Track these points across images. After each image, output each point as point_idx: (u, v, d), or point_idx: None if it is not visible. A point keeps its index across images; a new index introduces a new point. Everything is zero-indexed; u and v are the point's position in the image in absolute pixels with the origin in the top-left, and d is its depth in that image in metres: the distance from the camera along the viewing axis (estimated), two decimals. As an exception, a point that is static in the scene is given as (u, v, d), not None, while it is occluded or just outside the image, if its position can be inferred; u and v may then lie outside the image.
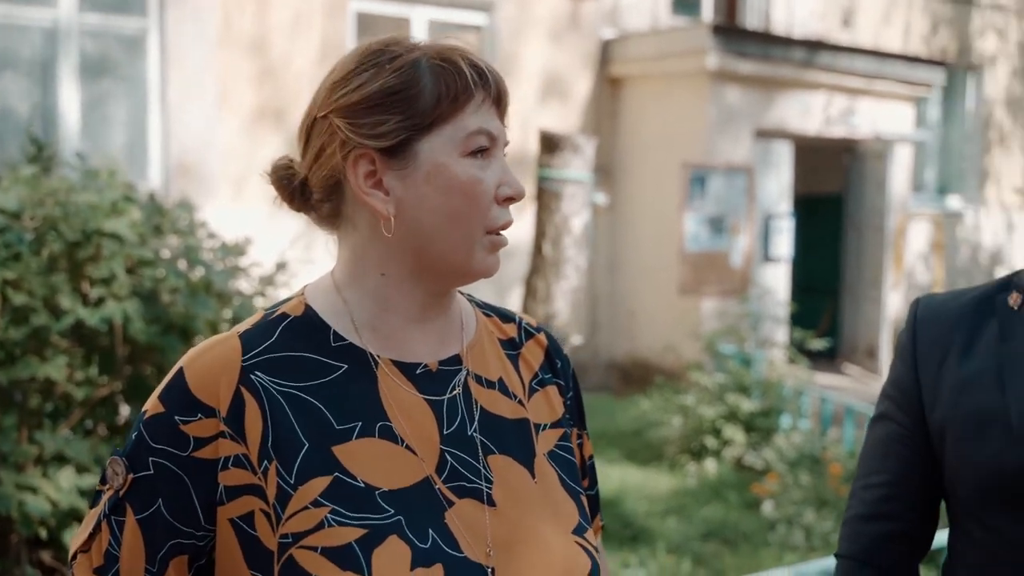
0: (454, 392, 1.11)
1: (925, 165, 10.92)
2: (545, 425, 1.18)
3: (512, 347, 1.21)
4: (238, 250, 3.97)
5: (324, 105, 1.08)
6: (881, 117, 9.13)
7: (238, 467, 1.02)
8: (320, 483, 1.02)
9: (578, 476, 1.19)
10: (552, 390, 1.21)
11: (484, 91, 1.08)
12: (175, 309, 3.58)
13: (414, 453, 1.06)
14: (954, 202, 11.05)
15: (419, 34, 7.73)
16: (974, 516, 1.31)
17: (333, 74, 1.10)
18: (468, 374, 1.13)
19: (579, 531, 1.12)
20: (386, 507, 1.02)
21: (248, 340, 1.07)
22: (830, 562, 1.45)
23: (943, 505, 1.41)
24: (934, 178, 11.17)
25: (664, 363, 7.92)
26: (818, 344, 6.68)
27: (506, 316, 1.24)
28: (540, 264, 5.04)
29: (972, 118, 11.25)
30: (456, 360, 1.13)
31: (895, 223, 9.38)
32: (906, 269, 9.85)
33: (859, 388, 8.45)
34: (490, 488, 1.08)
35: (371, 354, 1.08)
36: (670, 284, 8.16)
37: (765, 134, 8.39)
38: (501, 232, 1.10)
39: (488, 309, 1.23)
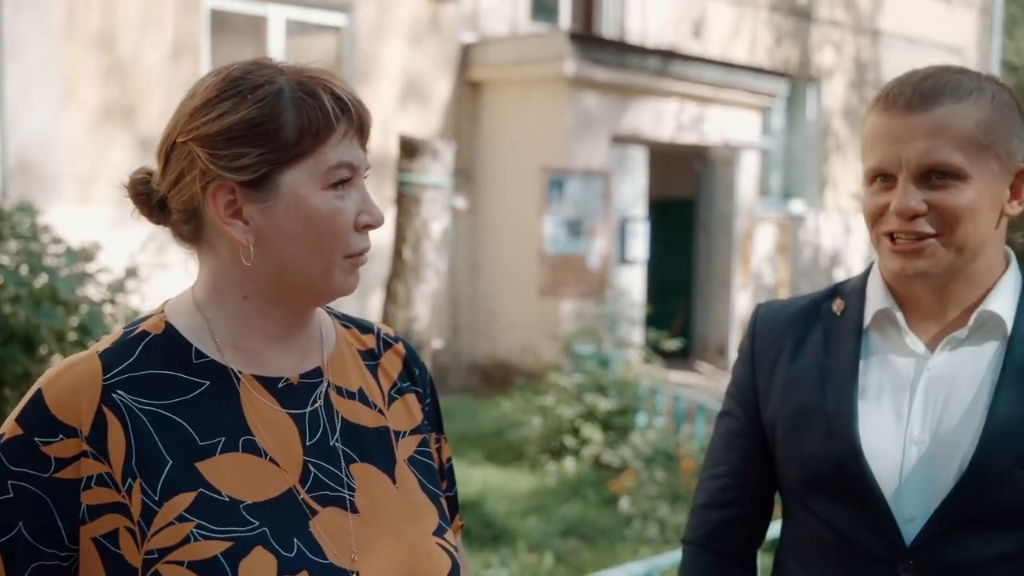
0: (316, 404, 1.15)
1: (770, 171, 11.45)
2: (405, 432, 1.22)
3: (371, 357, 1.25)
4: (85, 255, 3.83)
5: (184, 131, 1.08)
6: (729, 125, 9.53)
7: (101, 486, 1.03)
8: (185, 499, 1.04)
9: (437, 479, 1.24)
10: (411, 398, 1.26)
11: (347, 123, 1.10)
12: (16, 319, 3.43)
13: (277, 465, 1.09)
14: (797, 206, 11.63)
15: (276, 33, 7.56)
16: (800, 503, 1.43)
17: (194, 99, 1.10)
18: (329, 386, 1.17)
19: (439, 532, 1.17)
20: (251, 519, 1.05)
21: (108, 359, 1.08)
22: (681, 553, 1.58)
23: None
24: (779, 183, 11.72)
25: (524, 364, 8.04)
26: (672, 344, 6.91)
27: (364, 327, 1.28)
28: (400, 268, 5.04)
29: (812, 127, 11.86)
30: (317, 373, 1.17)
31: (743, 227, 9.81)
32: (753, 270, 10.31)
33: (711, 386, 8.79)
34: (352, 496, 1.12)
35: (233, 370, 1.11)
36: (529, 286, 8.29)
37: (621, 139, 8.62)
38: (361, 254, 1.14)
39: (347, 321, 1.27)
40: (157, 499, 1.03)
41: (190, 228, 1.12)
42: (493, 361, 8.56)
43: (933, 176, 1.31)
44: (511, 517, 5.17)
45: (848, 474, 1.35)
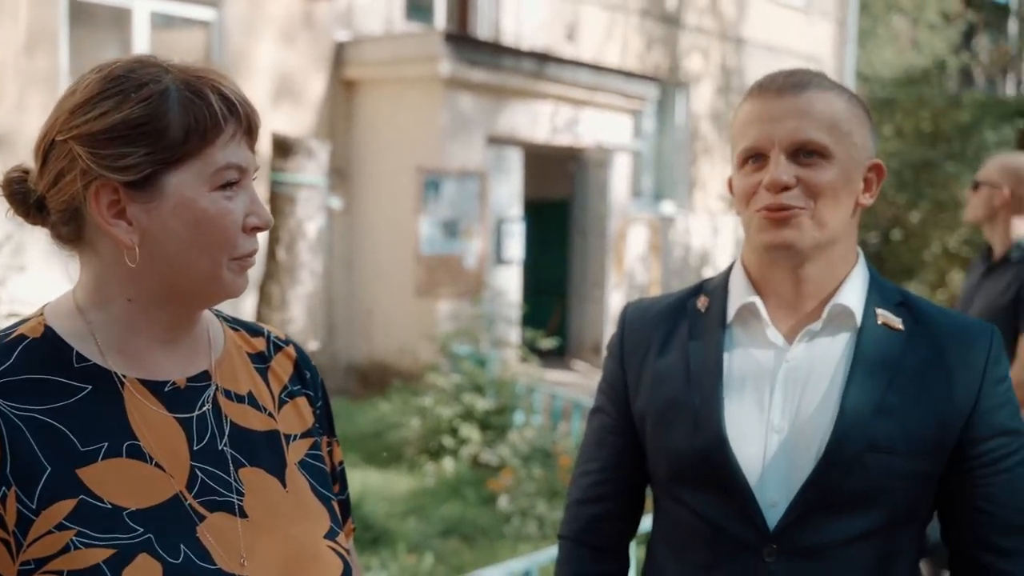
0: (203, 408, 1.12)
1: (642, 173, 11.72)
2: (296, 435, 1.21)
3: (261, 360, 1.23)
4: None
5: (64, 129, 1.05)
6: (602, 127, 9.71)
7: None
8: (64, 506, 1.00)
9: (329, 482, 1.23)
10: (302, 401, 1.24)
11: (235, 124, 1.08)
12: None
13: (163, 471, 1.07)
14: (667, 208, 11.94)
15: (141, 26, 7.28)
16: (670, 495, 1.48)
17: (74, 96, 1.06)
18: (217, 389, 1.15)
19: (331, 535, 1.16)
20: (134, 526, 1.02)
21: None
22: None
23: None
24: (650, 185, 12.02)
25: (402, 365, 8.00)
26: (548, 343, 6.99)
27: (254, 330, 1.26)
28: (274, 269, 4.94)
29: (681, 131, 12.21)
30: (205, 376, 1.15)
31: (616, 227, 10.01)
32: (626, 270, 10.53)
33: (587, 384, 8.93)
34: (241, 500, 1.11)
35: (116, 374, 1.08)
36: (406, 287, 8.24)
37: (497, 140, 8.68)
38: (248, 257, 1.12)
39: (236, 323, 1.25)
40: (34, 507, 0.99)
41: (70, 229, 1.08)
42: (370, 362, 8.48)
43: (801, 154, 1.38)
44: (390, 519, 5.14)
45: (715, 464, 1.40)
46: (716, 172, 12.52)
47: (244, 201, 1.09)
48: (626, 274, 10.49)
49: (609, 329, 9.75)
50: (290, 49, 8.30)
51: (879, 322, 1.43)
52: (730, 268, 1.54)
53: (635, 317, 1.57)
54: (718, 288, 1.52)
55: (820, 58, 13.99)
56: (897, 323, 1.43)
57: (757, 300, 1.45)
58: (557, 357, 9.08)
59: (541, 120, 9.07)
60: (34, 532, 0.99)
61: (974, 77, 19.71)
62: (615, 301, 9.99)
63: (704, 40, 12.41)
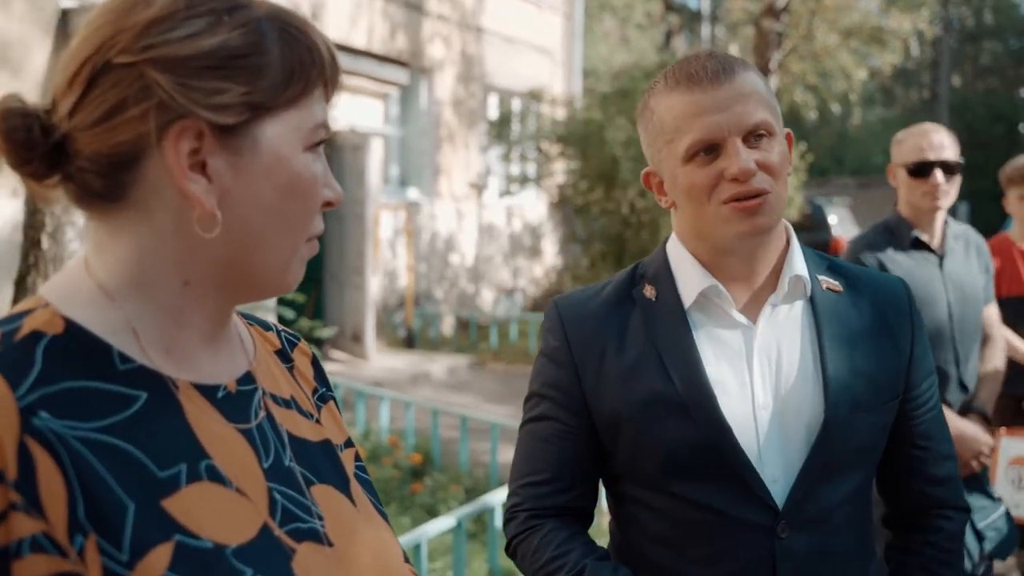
0: (259, 416, 0.94)
1: (390, 159, 11.67)
2: (341, 446, 1.05)
3: (285, 359, 1.05)
4: None
5: (132, 49, 0.83)
6: (356, 112, 9.56)
7: (39, 551, 0.75)
8: (162, 553, 0.78)
9: (379, 497, 1.09)
10: (332, 405, 1.08)
11: (332, 77, 0.93)
12: None
13: (245, 496, 0.87)
14: (413, 194, 11.98)
15: None
16: (659, 490, 1.44)
17: (149, 8, 0.84)
18: (264, 394, 0.96)
19: (407, 559, 1.03)
20: (241, 567, 0.82)
21: (7, 370, 0.78)
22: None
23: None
24: (397, 172, 11.99)
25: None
26: (327, 332, 6.81)
27: (264, 324, 1.07)
28: (38, 259, 4.48)
29: (426, 117, 12.28)
30: (250, 379, 0.96)
31: (373, 212, 9.91)
32: (381, 255, 10.46)
33: (350, 372, 8.79)
34: (323, 525, 0.93)
35: (168, 377, 0.87)
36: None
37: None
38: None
39: (246, 316, 1.06)
40: (126, 559, 0.77)
41: (107, 183, 0.85)
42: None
43: (752, 137, 1.39)
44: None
45: (719, 452, 1.39)
46: (459, 159, 12.72)
47: (322, 168, 0.92)
48: (381, 260, 10.42)
49: (370, 316, 9.64)
50: (7, 15, 7.46)
51: (824, 287, 1.49)
52: (663, 252, 1.52)
53: (575, 315, 1.50)
54: (660, 275, 1.49)
55: (552, 51, 14.59)
56: (837, 286, 1.50)
57: (719, 284, 1.44)
58: (316, 345, 8.85)
59: (296, 102, 8.77)
60: None
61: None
62: (373, 287, 9.89)
63: (445, 28, 12.54)
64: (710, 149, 1.39)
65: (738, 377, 1.43)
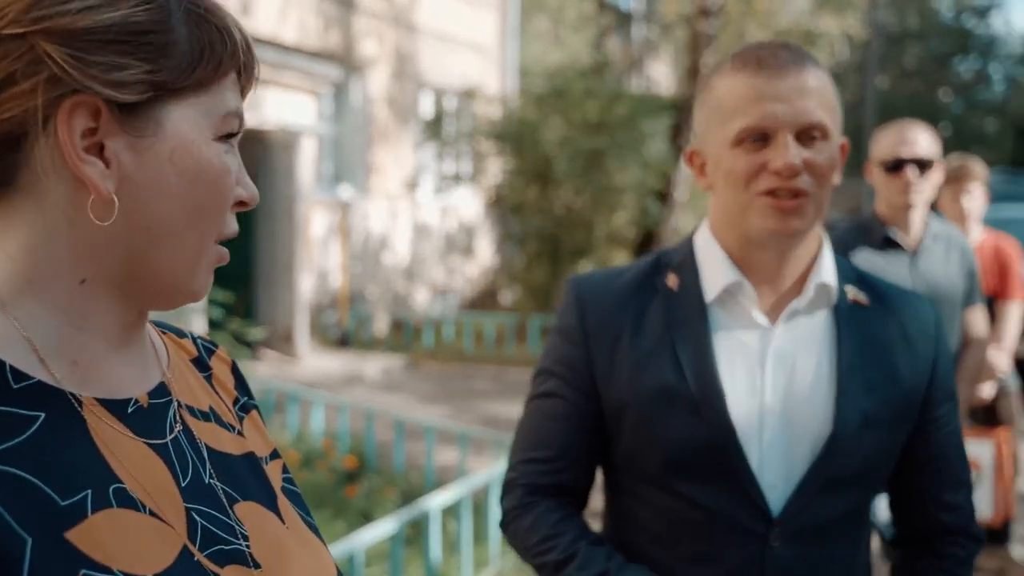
0: (175, 431, 0.86)
1: (323, 157, 11.51)
2: (266, 458, 0.97)
3: (202, 368, 0.98)
4: None
5: (23, 20, 0.76)
6: (287, 109, 9.39)
7: None
8: None
9: (308, 509, 1.01)
10: (255, 415, 1.01)
11: (247, 64, 0.85)
12: None
13: (160, 519, 0.79)
14: (347, 192, 11.83)
15: None
16: (658, 485, 1.41)
17: None
18: (180, 406, 0.89)
19: (341, 575, 0.96)
20: None
21: None
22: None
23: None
24: (330, 169, 11.83)
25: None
26: (258, 333, 6.66)
27: (177, 331, 0.99)
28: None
29: (358, 114, 12.13)
30: (163, 390, 0.88)
31: (304, 211, 9.75)
32: (313, 255, 10.30)
33: (281, 373, 8.63)
34: (248, 546, 0.86)
35: (71, 393, 0.79)
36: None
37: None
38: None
39: (158, 324, 0.98)
40: None
41: None
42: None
43: (805, 136, 1.35)
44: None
45: (722, 452, 1.36)
46: (392, 157, 12.60)
47: (236, 165, 0.85)
48: (314, 259, 10.26)
49: (301, 315, 9.49)
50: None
51: (850, 298, 1.45)
52: (690, 242, 1.49)
53: (594, 296, 1.46)
54: (686, 265, 1.46)
55: (487, 48, 14.54)
56: (864, 299, 1.46)
57: (745, 280, 1.41)
58: (244, 346, 8.67)
59: (225, 98, 8.58)
60: None
61: (604, 75, 21.53)
62: (305, 286, 9.74)
63: (379, 24, 12.41)
64: (760, 137, 1.36)
65: (750, 379, 1.40)
